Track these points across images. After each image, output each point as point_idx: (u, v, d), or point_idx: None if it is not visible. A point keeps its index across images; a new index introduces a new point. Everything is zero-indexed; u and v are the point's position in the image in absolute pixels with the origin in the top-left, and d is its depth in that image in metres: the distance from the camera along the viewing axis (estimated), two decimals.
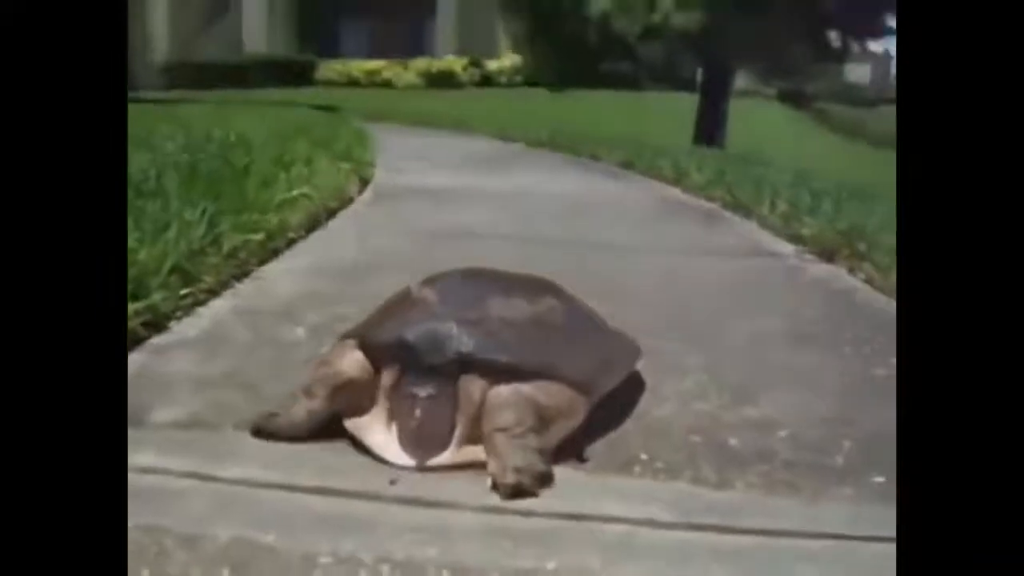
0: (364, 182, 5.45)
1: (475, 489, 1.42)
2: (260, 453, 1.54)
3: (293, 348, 2.12)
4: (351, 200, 4.71)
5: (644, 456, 1.58)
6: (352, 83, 28.00)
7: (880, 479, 1.53)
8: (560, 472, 1.48)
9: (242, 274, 2.82)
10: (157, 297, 2.23)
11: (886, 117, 27.44)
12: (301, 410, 1.59)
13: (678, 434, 1.69)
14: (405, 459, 1.49)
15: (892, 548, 1.29)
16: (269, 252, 3.13)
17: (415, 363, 1.51)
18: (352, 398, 1.58)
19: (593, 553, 1.25)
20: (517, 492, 1.40)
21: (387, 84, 28.08)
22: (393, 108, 15.57)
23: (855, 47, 15.42)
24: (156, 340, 2.12)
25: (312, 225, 3.78)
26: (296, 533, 1.27)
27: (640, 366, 1.94)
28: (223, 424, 1.66)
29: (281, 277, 2.89)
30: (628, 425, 1.73)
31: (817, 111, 29.74)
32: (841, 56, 15.85)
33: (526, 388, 1.51)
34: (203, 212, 2.86)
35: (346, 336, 1.67)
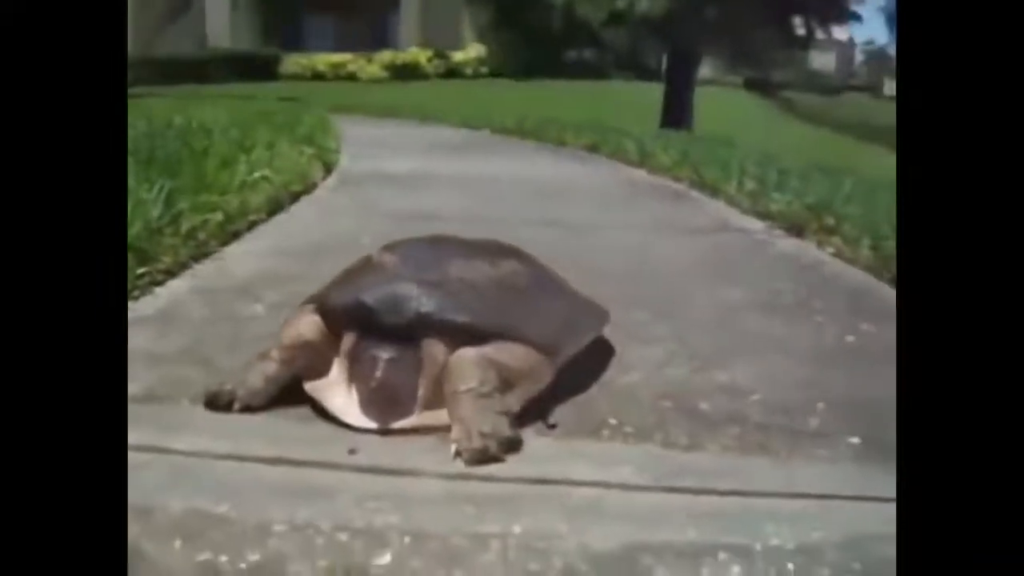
0: (328, 168, 5.37)
1: (437, 456, 1.37)
2: (215, 425, 1.48)
3: (250, 323, 2.06)
4: (315, 185, 4.64)
5: (613, 421, 1.54)
6: (317, 77, 27.80)
7: (855, 440, 1.50)
8: (526, 437, 1.44)
9: (201, 255, 2.75)
10: None
11: (850, 104, 27.64)
12: (257, 376, 1.54)
13: (647, 399, 1.65)
14: (366, 422, 1.45)
15: (868, 507, 1.27)
16: (229, 234, 3.06)
17: (374, 325, 1.47)
18: (309, 361, 1.54)
19: (560, 517, 1.21)
20: (483, 458, 1.36)
21: (352, 77, 27.90)
22: (358, 101, 15.43)
23: (819, 33, 15.44)
24: None
25: (274, 208, 3.71)
26: (251, 503, 1.22)
27: (608, 334, 1.90)
28: (179, 398, 1.60)
29: (241, 258, 2.82)
30: (596, 391, 1.69)
31: (783, 99, 29.86)
32: (805, 43, 15.89)
33: (489, 349, 1.47)
34: (160, 190, 2.80)
35: (306, 302, 1.63)
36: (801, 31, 14.91)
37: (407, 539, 1.14)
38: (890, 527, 1.03)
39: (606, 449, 1.44)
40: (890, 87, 39.13)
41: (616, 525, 1.19)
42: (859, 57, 46.38)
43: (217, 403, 1.53)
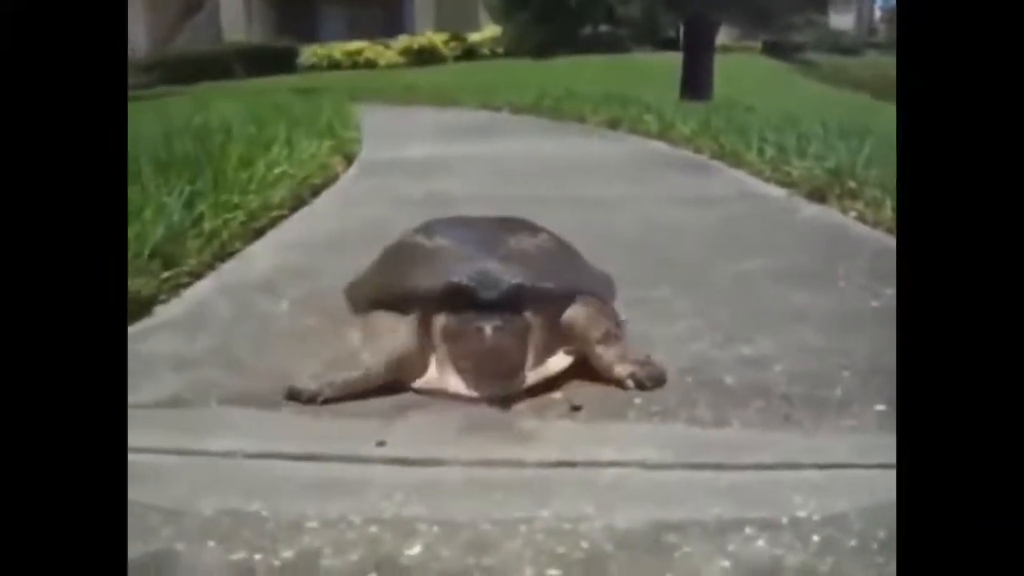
0: (349, 158, 5.37)
1: (461, 446, 1.39)
2: (243, 426, 1.50)
3: (276, 321, 2.07)
4: (336, 177, 4.64)
5: (638, 401, 1.55)
6: (334, 66, 27.73)
7: (881, 407, 1.50)
8: (551, 422, 1.46)
9: (226, 255, 2.76)
10: (138, 282, 2.18)
11: (870, 63, 27.32)
12: (356, 382, 1.59)
13: (672, 377, 1.65)
14: (475, 393, 1.54)
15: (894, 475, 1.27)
16: (252, 232, 3.07)
17: (470, 303, 1.52)
18: (411, 367, 1.60)
19: (587, 499, 1.22)
20: (657, 376, 1.60)
21: (369, 64, 27.77)
22: (377, 87, 15.39)
23: None
24: (140, 324, 2.06)
25: (296, 203, 3.71)
26: (282, 500, 1.24)
27: (630, 310, 1.91)
28: (207, 400, 1.61)
29: (264, 254, 2.84)
30: None
31: (803, 62, 29.52)
32: (823, 3, 15.72)
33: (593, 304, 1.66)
34: (180, 194, 2.81)
35: (373, 306, 1.70)
36: None
37: (436, 528, 1.15)
38: None
39: (631, 429, 1.45)
40: None
41: (642, 505, 1.20)
42: (877, 14, 45.82)
43: (299, 398, 1.58)
